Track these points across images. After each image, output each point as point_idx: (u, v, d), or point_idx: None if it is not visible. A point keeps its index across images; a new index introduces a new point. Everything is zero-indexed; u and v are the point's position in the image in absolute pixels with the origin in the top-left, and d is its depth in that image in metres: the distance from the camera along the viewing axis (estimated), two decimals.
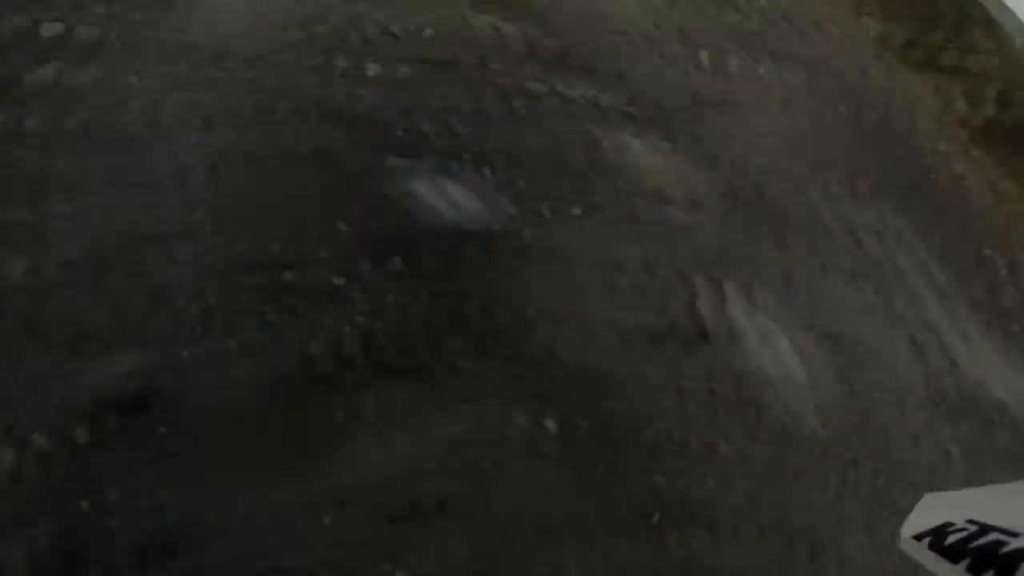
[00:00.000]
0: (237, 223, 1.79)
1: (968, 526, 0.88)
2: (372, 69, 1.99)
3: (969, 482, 2.08)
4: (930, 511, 0.97)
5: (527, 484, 1.72)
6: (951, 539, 0.87)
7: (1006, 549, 0.80)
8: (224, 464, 1.63)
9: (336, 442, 1.69)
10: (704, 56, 2.80)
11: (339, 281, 1.77)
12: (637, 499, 1.76)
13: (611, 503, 1.74)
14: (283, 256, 1.77)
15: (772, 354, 2.16)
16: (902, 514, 0.83)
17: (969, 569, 0.80)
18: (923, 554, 0.88)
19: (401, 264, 1.82)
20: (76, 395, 1.59)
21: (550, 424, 1.72)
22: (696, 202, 2.36)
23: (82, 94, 1.84)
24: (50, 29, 1.93)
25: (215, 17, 1.99)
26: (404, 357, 1.75)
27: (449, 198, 1.92)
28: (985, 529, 0.86)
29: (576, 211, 2.07)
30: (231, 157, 1.84)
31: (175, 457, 1.61)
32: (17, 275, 1.63)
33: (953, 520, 0.91)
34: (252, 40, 1.96)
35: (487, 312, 1.80)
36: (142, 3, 2.02)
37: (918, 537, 0.91)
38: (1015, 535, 0.82)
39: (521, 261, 1.89)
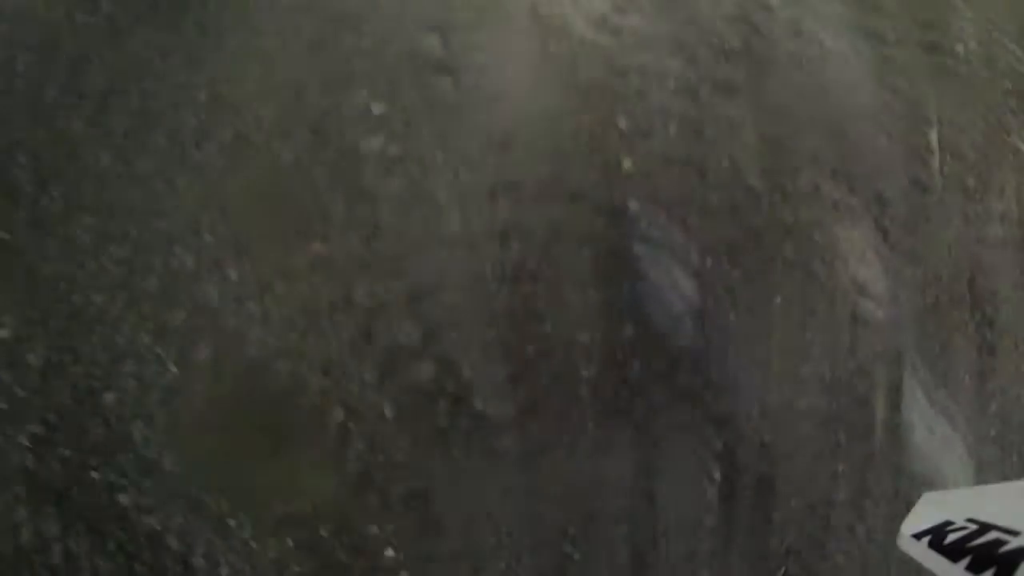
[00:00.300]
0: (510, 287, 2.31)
1: (968, 525, 0.89)
2: (626, 163, 2.43)
3: None
4: (930, 510, 0.98)
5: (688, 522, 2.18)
6: (951, 538, 0.88)
7: (1006, 548, 0.81)
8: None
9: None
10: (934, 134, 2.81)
11: (583, 338, 2.26)
12: (771, 553, 2.13)
13: (750, 548, 2.14)
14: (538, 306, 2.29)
15: (943, 460, 2.30)
16: None
17: (969, 568, 0.82)
18: (923, 553, 0.90)
19: (632, 331, 2.28)
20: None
21: (716, 475, 2.15)
22: (896, 297, 2.50)
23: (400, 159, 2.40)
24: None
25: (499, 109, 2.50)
26: (618, 404, 2.22)
27: (673, 279, 2.33)
28: (985, 528, 0.86)
29: (777, 300, 2.38)
30: (514, 229, 2.34)
31: None
32: None
33: (953, 519, 0.92)
34: (530, 130, 2.49)
35: (692, 374, 2.24)
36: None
37: (918, 536, 0.93)
38: (1015, 534, 0.83)
39: (725, 341, 2.28)
